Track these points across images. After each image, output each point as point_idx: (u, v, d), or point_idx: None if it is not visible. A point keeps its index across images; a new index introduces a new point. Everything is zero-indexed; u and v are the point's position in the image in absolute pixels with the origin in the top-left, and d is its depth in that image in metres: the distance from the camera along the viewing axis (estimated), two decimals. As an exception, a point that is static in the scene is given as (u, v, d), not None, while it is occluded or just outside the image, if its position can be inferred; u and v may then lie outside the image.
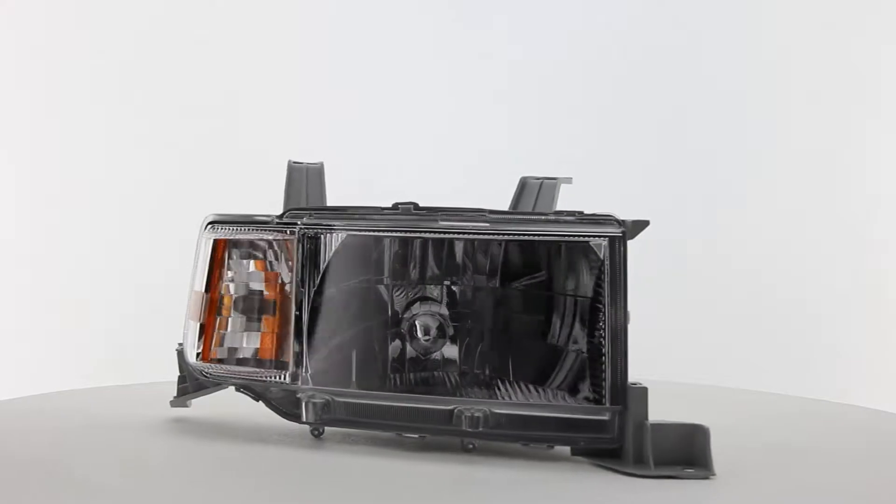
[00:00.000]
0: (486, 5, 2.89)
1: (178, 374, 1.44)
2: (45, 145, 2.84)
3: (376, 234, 1.36)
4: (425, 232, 1.34)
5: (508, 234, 1.31)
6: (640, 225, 1.25)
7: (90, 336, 2.79)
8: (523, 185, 1.51)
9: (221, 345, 1.38)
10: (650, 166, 2.84)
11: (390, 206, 1.34)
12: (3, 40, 2.83)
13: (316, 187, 1.47)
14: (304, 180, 1.46)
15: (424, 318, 1.35)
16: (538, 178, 1.50)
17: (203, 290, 1.38)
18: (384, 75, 2.87)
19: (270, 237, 1.37)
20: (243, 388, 1.37)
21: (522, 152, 2.82)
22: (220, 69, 2.84)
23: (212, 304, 1.38)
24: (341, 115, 2.83)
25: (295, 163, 1.47)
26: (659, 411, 1.22)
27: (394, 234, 1.35)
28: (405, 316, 1.37)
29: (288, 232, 1.36)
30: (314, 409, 1.30)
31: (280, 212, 1.37)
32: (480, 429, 1.25)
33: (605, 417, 1.23)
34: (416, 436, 1.29)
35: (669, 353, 2.62)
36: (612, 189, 2.80)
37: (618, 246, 1.25)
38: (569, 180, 1.50)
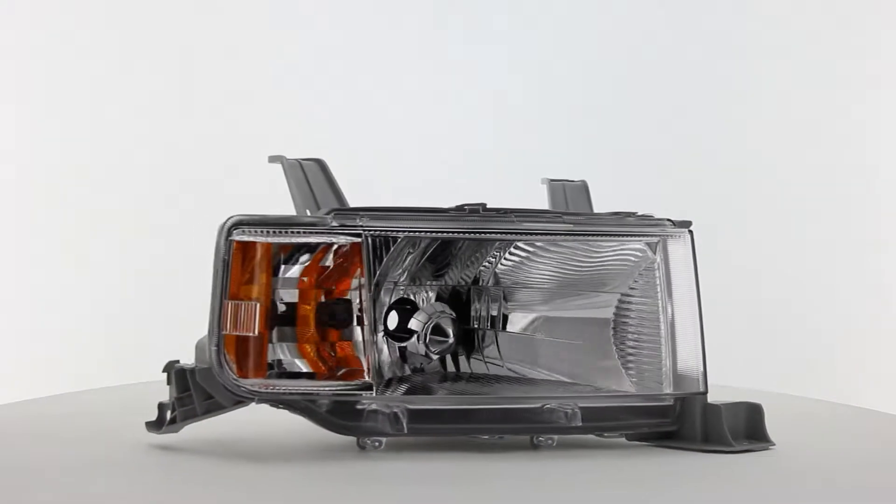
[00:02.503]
0: (487, 5, 2.89)
1: (174, 395, 1.27)
2: (46, 145, 2.84)
3: (447, 236, 1.29)
4: (502, 234, 1.29)
5: (592, 235, 1.33)
6: (685, 225, 1.35)
7: (90, 336, 2.79)
8: (554, 187, 1.47)
9: (277, 357, 1.23)
10: (650, 166, 2.83)
11: (454, 207, 1.29)
12: (3, 40, 2.83)
13: (323, 184, 1.34)
14: (303, 177, 1.34)
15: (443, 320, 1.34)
16: (558, 181, 1.47)
17: (244, 298, 1.22)
18: (384, 75, 2.87)
19: (329, 240, 1.23)
20: (286, 403, 1.21)
21: (522, 152, 2.82)
22: (218, 70, 2.84)
23: (262, 314, 1.22)
24: (339, 116, 2.83)
25: (273, 158, 1.38)
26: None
27: (466, 235, 1.29)
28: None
29: (353, 235, 1.23)
30: (391, 419, 1.20)
31: (273, 211, 1.26)
32: (579, 423, 1.26)
33: (668, 403, 1.30)
34: (497, 437, 1.27)
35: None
36: (612, 189, 2.80)
37: (683, 243, 1.33)
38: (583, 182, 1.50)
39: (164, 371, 1.29)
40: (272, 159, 1.38)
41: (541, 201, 1.43)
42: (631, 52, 2.88)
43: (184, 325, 2.81)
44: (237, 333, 1.21)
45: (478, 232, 1.28)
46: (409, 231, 1.26)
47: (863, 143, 2.88)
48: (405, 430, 1.20)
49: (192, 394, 1.24)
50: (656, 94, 2.87)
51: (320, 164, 1.35)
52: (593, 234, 1.32)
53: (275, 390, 1.20)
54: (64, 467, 1.19)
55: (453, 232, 1.28)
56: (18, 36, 2.83)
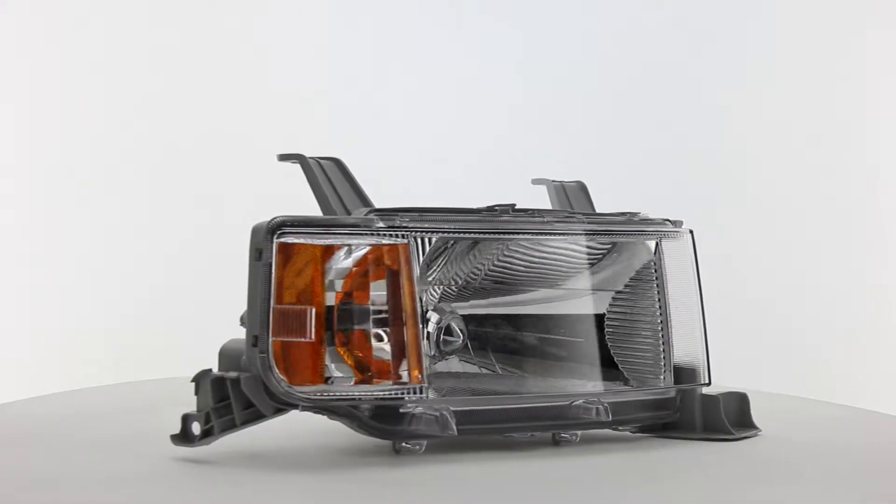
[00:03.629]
0: (488, 5, 2.89)
1: (209, 405, 1.19)
2: (45, 146, 2.84)
3: (487, 236, 1.28)
4: (533, 234, 1.30)
5: (612, 235, 1.35)
6: (678, 225, 1.40)
7: (90, 336, 2.80)
8: (556, 187, 1.48)
9: (335, 364, 1.19)
10: (650, 166, 2.84)
11: (486, 207, 1.29)
12: (3, 40, 2.83)
13: (345, 184, 1.30)
14: (326, 177, 1.30)
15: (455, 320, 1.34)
16: (554, 181, 1.48)
17: (294, 302, 1.17)
18: (385, 76, 2.87)
19: (378, 241, 1.20)
20: (331, 409, 1.18)
21: (522, 152, 2.82)
22: (220, 71, 2.84)
23: (316, 319, 1.17)
24: (342, 116, 2.83)
25: (289, 156, 1.36)
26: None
27: (504, 235, 1.29)
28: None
29: (400, 236, 1.21)
30: (439, 421, 1.18)
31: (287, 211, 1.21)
32: (609, 418, 1.28)
33: (671, 395, 1.35)
34: (529, 434, 1.28)
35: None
36: (611, 188, 2.80)
37: (685, 243, 1.39)
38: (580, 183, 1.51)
39: (194, 381, 1.22)
40: (288, 158, 1.35)
41: (533, 201, 1.43)
42: (630, 53, 2.88)
43: (184, 325, 2.82)
44: (288, 339, 1.17)
45: (511, 232, 1.29)
46: (450, 231, 1.26)
47: (863, 142, 2.88)
48: (455, 432, 1.19)
49: (232, 403, 1.19)
50: (656, 95, 2.87)
51: (338, 164, 1.32)
52: (614, 234, 1.35)
53: (331, 396, 1.17)
54: (93, 480, 1.15)
55: (490, 232, 1.28)
56: (19, 36, 2.84)
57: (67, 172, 2.83)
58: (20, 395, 1.80)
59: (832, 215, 2.85)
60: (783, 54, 2.88)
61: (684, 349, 1.36)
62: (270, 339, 1.15)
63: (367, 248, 1.20)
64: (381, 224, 1.20)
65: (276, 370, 1.15)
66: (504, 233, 1.29)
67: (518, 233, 1.29)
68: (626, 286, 1.38)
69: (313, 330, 1.17)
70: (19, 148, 2.85)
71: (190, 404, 1.39)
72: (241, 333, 1.21)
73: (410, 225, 1.22)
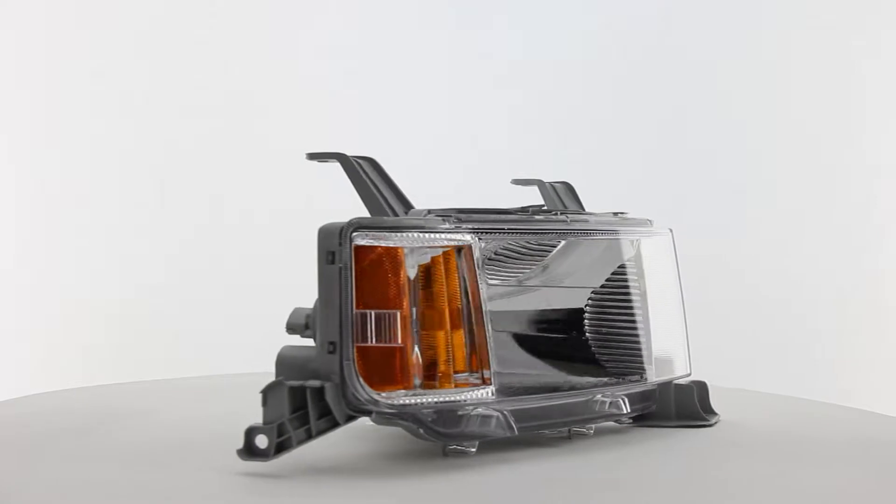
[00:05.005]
0: (487, 5, 2.89)
1: (285, 415, 1.14)
2: (46, 146, 2.85)
3: (537, 235, 1.31)
4: (563, 233, 1.33)
5: (619, 235, 1.39)
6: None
7: (89, 336, 2.80)
8: (547, 188, 1.50)
9: (417, 368, 1.17)
10: (649, 166, 2.84)
11: (519, 208, 1.30)
12: (3, 40, 2.83)
13: (384, 184, 1.27)
14: (369, 177, 1.26)
15: None
16: (529, 180, 1.50)
17: (376, 306, 1.15)
18: (385, 76, 2.87)
19: (453, 242, 1.19)
20: (407, 414, 1.16)
21: (522, 152, 2.82)
22: (218, 70, 2.84)
23: (403, 323, 1.16)
24: (342, 116, 2.84)
25: (327, 155, 1.30)
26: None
27: (544, 235, 1.31)
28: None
29: (468, 237, 1.20)
30: (500, 421, 1.19)
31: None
32: (629, 410, 1.33)
33: (654, 387, 1.39)
34: (564, 430, 1.31)
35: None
36: (611, 188, 2.80)
37: (667, 241, 1.44)
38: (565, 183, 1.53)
39: (265, 391, 1.16)
40: (324, 157, 1.30)
41: (522, 201, 1.45)
42: (630, 54, 2.88)
43: (183, 326, 2.82)
44: (373, 345, 1.14)
45: (544, 232, 1.31)
46: (506, 231, 1.26)
47: (862, 143, 2.88)
48: (516, 431, 1.20)
49: (309, 413, 1.15)
50: (656, 95, 2.87)
51: (373, 163, 1.28)
52: (619, 233, 1.39)
53: (417, 402, 1.16)
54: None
55: (533, 231, 1.30)
56: (18, 36, 2.84)
57: (68, 172, 2.83)
58: (19, 395, 1.80)
59: (832, 216, 2.86)
60: (782, 54, 2.88)
61: (668, 342, 1.41)
62: (353, 345, 1.13)
63: (440, 250, 1.19)
64: (447, 225, 1.19)
65: (361, 377, 1.13)
66: (540, 232, 1.31)
67: (553, 232, 1.32)
68: (609, 281, 1.40)
69: (400, 335, 1.15)
70: (19, 147, 2.85)
71: (190, 406, 1.39)
72: (289, 340, 1.19)
73: (473, 225, 1.21)
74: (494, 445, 1.24)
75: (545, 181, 1.51)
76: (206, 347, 2.74)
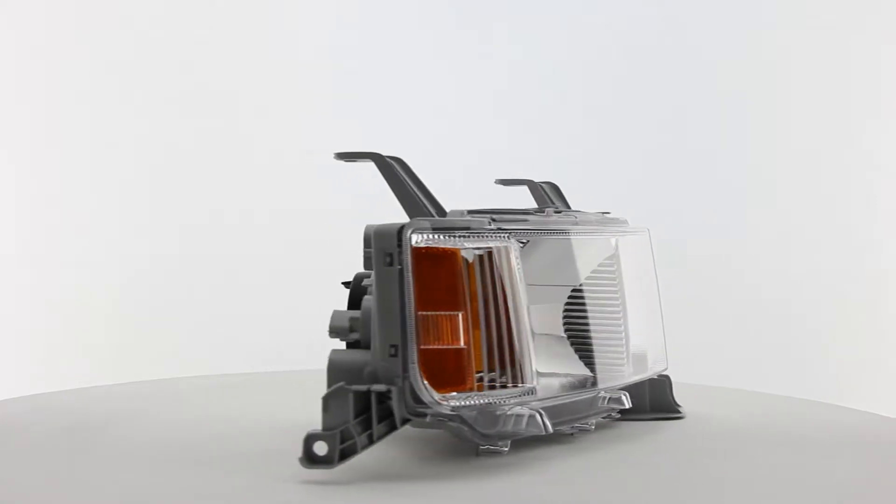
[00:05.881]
0: (486, 6, 2.89)
1: (349, 420, 1.12)
2: (46, 145, 2.85)
3: (556, 235, 1.31)
4: (576, 234, 1.34)
5: (611, 234, 1.40)
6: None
7: (90, 336, 2.80)
8: (536, 187, 1.51)
9: (481, 370, 1.17)
10: (649, 166, 2.84)
11: (536, 209, 1.31)
12: (3, 40, 2.84)
13: (414, 183, 1.26)
14: (404, 177, 1.25)
15: None
16: (508, 180, 1.51)
17: (437, 309, 1.14)
18: (384, 76, 2.87)
19: (497, 244, 1.19)
20: (456, 416, 1.16)
21: (522, 152, 2.82)
22: (217, 70, 2.84)
23: (465, 325, 1.15)
24: (342, 116, 2.84)
25: (343, 155, 1.30)
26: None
27: (563, 235, 1.32)
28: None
29: (508, 238, 1.20)
30: (534, 420, 1.18)
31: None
32: (630, 405, 1.35)
33: (634, 381, 1.41)
34: (576, 427, 1.32)
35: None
36: (610, 188, 2.81)
37: (645, 240, 1.46)
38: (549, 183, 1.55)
39: (327, 398, 1.13)
40: (355, 157, 1.28)
41: (514, 201, 1.45)
42: (628, 54, 2.88)
43: (183, 326, 2.82)
44: (436, 347, 1.13)
45: (563, 231, 1.31)
46: (539, 231, 1.27)
47: (862, 143, 2.88)
48: (551, 429, 1.19)
49: (372, 418, 1.14)
50: (656, 95, 2.87)
51: (402, 164, 1.27)
52: (613, 232, 1.40)
53: (477, 403, 1.15)
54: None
55: (557, 231, 1.31)
56: (18, 36, 2.84)
57: (68, 172, 2.83)
58: (19, 395, 1.80)
59: (832, 216, 2.86)
60: (782, 54, 2.88)
61: (648, 338, 1.43)
62: (416, 348, 1.12)
63: (487, 250, 1.18)
64: (491, 226, 1.19)
65: (420, 378, 1.12)
66: (567, 232, 1.32)
67: (570, 233, 1.33)
68: (596, 279, 1.40)
69: (462, 337, 1.14)
70: (19, 147, 2.85)
71: (190, 406, 1.39)
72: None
73: (511, 227, 1.21)
74: (522, 443, 1.26)
75: (535, 181, 1.51)
76: (206, 347, 2.74)
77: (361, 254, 1.24)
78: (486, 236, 1.18)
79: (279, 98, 2.84)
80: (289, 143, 2.83)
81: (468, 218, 1.19)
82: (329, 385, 1.15)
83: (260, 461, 1.22)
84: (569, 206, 1.50)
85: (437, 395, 1.12)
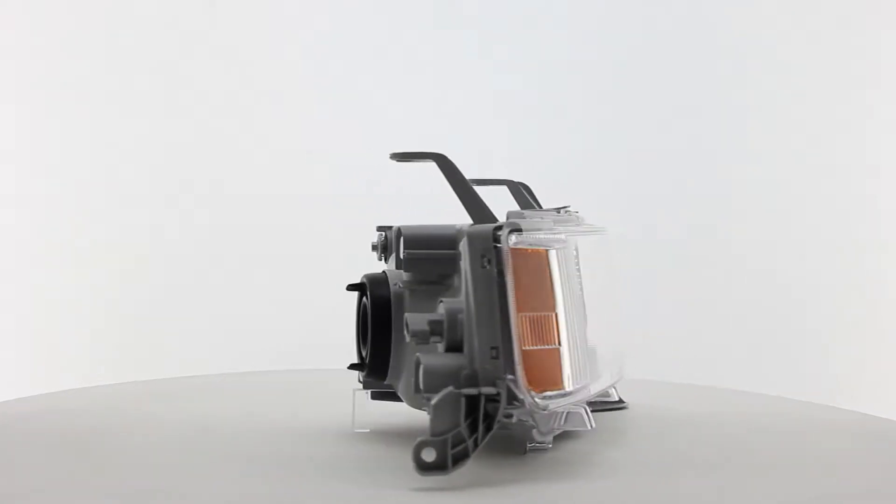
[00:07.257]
0: (486, 6, 2.89)
1: (460, 424, 1.12)
2: (46, 145, 2.85)
3: (590, 235, 1.33)
4: (588, 232, 1.34)
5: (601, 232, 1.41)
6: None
7: (89, 336, 2.80)
8: (515, 186, 1.51)
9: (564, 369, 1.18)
10: (648, 166, 2.84)
11: (554, 208, 1.32)
12: (3, 41, 2.83)
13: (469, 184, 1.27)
14: (463, 177, 1.25)
15: None
16: (486, 180, 1.49)
17: (533, 309, 1.14)
18: (384, 76, 2.87)
19: (563, 245, 1.19)
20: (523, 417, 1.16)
21: (521, 153, 2.82)
22: (217, 70, 2.84)
23: (557, 325, 1.16)
24: (342, 116, 2.83)
25: (401, 156, 1.29)
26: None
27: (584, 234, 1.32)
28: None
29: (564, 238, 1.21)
30: (580, 416, 1.17)
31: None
32: (619, 398, 1.39)
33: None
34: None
35: (665, 352, 2.62)
36: (610, 188, 2.80)
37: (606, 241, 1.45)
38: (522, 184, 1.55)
39: (438, 403, 1.11)
40: (417, 157, 1.29)
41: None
42: (629, 53, 2.88)
43: (183, 325, 2.82)
44: (535, 348, 1.14)
45: (583, 232, 1.32)
46: (574, 231, 1.28)
47: (861, 143, 2.88)
48: (594, 424, 1.19)
49: (478, 421, 1.12)
50: (655, 95, 2.87)
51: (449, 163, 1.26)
52: (599, 231, 1.41)
53: (569, 403, 1.16)
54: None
55: (585, 232, 1.32)
56: (18, 36, 2.84)
57: (68, 172, 2.83)
58: (19, 395, 1.80)
59: (832, 216, 2.86)
60: (782, 54, 2.88)
61: (611, 337, 1.42)
62: (519, 349, 1.12)
63: (555, 250, 1.19)
64: (567, 226, 1.21)
65: (524, 379, 1.11)
66: (586, 233, 1.33)
67: (584, 234, 1.33)
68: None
69: (556, 337, 1.16)
70: (19, 147, 2.85)
71: (191, 406, 1.39)
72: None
73: (572, 227, 1.24)
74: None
75: (514, 181, 1.50)
76: (206, 347, 2.74)
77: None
78: (561, 236, 1.19)
79: (279, 98, 2.84)
80: (289, 143, 2.83)
81: (545, 216, 1.22)
82: (426, 390, 1.13)
83: (261, 462, 1.22)
84: (541, 207, 1.48)
85: (536, 397, 1.12)
